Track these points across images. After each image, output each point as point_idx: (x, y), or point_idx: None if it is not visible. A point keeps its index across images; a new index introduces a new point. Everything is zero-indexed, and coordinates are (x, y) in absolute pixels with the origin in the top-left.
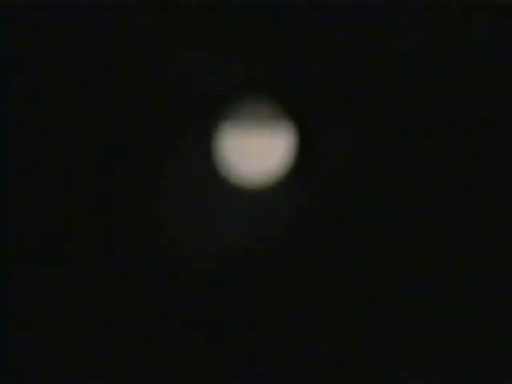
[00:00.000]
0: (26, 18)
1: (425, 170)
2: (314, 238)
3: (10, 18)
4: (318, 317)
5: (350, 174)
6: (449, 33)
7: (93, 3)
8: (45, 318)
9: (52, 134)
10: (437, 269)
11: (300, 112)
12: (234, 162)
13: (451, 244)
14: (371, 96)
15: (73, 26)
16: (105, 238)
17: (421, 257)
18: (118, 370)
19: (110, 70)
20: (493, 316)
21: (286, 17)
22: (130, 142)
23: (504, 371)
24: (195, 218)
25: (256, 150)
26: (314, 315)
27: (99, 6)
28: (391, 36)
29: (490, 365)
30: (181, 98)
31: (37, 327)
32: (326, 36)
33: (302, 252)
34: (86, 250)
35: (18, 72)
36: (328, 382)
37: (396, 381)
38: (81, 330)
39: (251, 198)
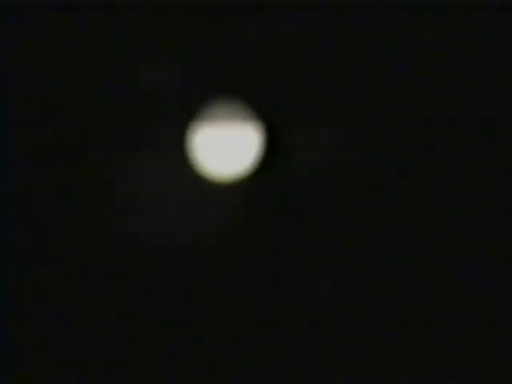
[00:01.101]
0: (26, 17)
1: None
2: (276, 230)
3: (11, 18)
4: (284, 305)
5: (313, 171)
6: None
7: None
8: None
9: (51, 130)
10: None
11: (266, 112)
12: (204, 157)
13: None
14: (338, 97)
15: (67, 27)
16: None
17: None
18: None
19: (89, 71)
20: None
21: (258, 20)
22: (106, 143)
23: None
24: (164, 209)
25: (225, 147)
26: (277, 303)
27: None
28: (364, 35)
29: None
30: (156, 98)
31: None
32: (295, 38)
33: (264, 244)
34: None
35: (16, 72)
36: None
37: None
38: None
39: (220, 191)
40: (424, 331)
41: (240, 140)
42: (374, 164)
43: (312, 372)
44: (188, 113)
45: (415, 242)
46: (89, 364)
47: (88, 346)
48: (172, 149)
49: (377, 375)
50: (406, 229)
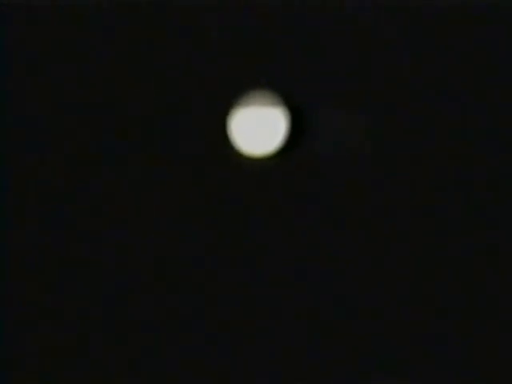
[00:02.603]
0: (26, 18)
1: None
2: (296, 203)
3: (11, 17)
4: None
5: (336, 154)
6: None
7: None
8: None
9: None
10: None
11: (292, 99)
12: (241, 137)
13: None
14: (363, 82)
15: (71, 26)
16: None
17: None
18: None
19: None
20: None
21: (284, 11)
22: (150, 128)
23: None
24: (205, 183)
25: (258, 129)
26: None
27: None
28: (381, 30)
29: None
30: (199, 86)
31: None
32: (314, 33)
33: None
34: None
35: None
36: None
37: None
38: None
39: (254, 165)
40: (424, 331)
41: (269, 123)
42: (399, 148)
43: (312, 371)
44: (227, 99)
45: (438, 231)
46: (89, 363)
47: (87, 346)
48: (213, 129)
49: (377, 375)
50: (427, 215)
